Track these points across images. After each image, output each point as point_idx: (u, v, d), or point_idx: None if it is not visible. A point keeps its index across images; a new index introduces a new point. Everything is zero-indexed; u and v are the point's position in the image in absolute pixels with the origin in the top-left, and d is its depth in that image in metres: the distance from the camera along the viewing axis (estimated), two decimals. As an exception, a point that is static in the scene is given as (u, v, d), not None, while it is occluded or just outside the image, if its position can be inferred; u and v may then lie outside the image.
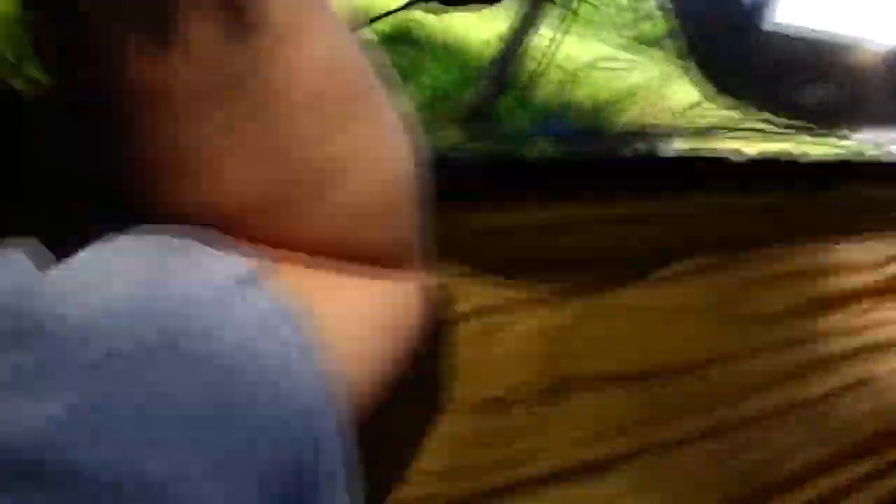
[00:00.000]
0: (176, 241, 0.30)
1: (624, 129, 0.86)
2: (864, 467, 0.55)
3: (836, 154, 0.74)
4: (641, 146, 0.79)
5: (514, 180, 0.48)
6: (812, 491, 0.52)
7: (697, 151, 0.60)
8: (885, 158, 0.82)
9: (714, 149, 0.60)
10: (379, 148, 0.37)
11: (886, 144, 1.09)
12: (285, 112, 0.32)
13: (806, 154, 0.63)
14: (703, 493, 0.49)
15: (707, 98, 1.09)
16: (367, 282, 0.37)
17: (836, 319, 0.57)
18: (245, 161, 0.33)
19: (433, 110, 0.79)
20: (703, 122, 0.84)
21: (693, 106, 1.01)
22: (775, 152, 0.61)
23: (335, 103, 0.35)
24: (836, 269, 0.60)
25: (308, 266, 0.35)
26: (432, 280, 0.43)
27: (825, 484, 0.53)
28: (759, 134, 0.89)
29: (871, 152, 1.00)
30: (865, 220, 0.65)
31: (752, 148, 0.69)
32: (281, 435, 0.27)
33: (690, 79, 1.00)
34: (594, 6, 0.87)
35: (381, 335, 0.38)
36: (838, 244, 0.60)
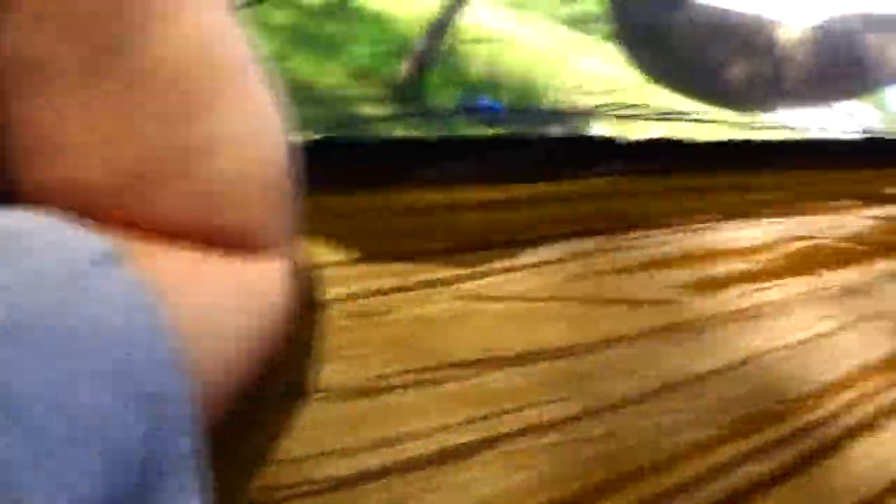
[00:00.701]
0: (31, 219, 0.29)
1: (549, 108, 0.87)
2: (743, 446, 0.56)
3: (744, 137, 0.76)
4: (554, 128, 0.80)
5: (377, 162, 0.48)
6: (690, 471, 0.53)
7: (585, 131, 0.61)
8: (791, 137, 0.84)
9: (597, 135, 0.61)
10: (247, 129, 0.37)
11: (802, 127, 1.12)
12: (150, 89, 0.32)
13: (692, 139, 0.64)
14: (580, 472, 0.50)
15: (634, 77, 1.10)
16: (226, 263, 0.37)
17: (716, 302, 0.59)
18: (106, 139, 0.32)
19: (363, 82, 0.79)
20: (628, 102, 0.86)
21: (620, 86, 1.02)
22: (661, 135, 0.62)
23: (203, 82, 0.34)
24: (719, 252, 0.61)
25: (167, 246, 0.34)
26: (302, 263, 0.43)
27: (703, 464, 0.54)
28: (681, 115, 0.90)
29: (786, 134, 1.02)
30: (749, 202, 0.67)
31: (664, 130, 0.70)
32: (129, 418, 0.26)
33: (621, 59, 1.02)
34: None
35: (239, 318, 0.37)
36: (721, 227, 0.61)
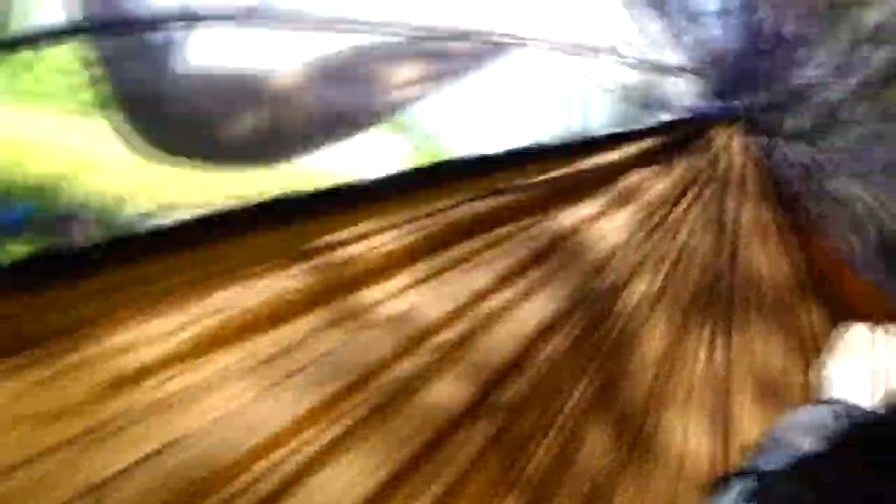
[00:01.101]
0: None
1: (71, 208, 0.77)
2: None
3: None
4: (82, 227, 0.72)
5: None
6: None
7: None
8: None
9: None
10: None
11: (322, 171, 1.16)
12: None
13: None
14: None
15: (140, 155, 1.03)
16: None
17: (133, 398, 0.60)
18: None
19: None
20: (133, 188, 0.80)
21: (131, 169, 0.95)
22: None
23: None
24: (132, 347, 0.63)
25: None
26: None
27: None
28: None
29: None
30: (160, 290, 0.70)
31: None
32: None
33: (124, 139, 0.95)
34: (36, 76, 0.79)
35: None
36: (132, 322, 0.63)
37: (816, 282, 1.65)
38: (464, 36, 1.47)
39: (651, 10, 1.50)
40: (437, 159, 1.59)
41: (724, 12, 1.55)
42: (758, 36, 1.54)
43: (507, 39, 1.51)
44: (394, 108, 1.55)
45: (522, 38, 1.50)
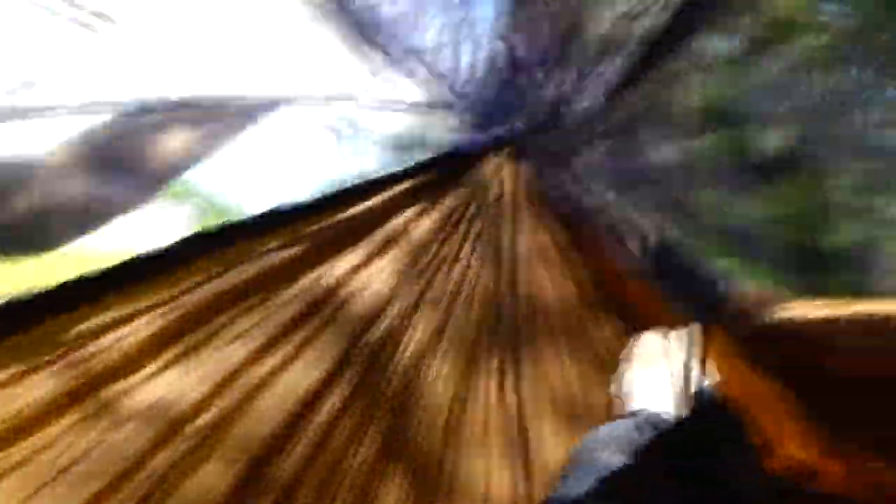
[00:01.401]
0: None
1: None
2: None
3: None
4: None
5: None
6: None
7: None
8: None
9: None
10: None
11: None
12: None
13: None
14: None
15: None
16: None
17: None
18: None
19: None
20: None
21: None
22: None
23: None
24: None
25: None
26: None
27: None
28: None
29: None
30: None
31: None
32: None
33: None
34: None
35: None
36: None
37: (606, 297, 1.64)
38: (220, 104, 1.44)
39: (385, 51, 1.48)
40: (207, 227, 1.53)
41: (461, 43, 1.54)
42: (508, 62, 1.53)
43: (260, 102, 1.48)
44: (167, 177, 1.50)
45: (276, 99, 1.48)
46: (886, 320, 1.26)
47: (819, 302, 1.45)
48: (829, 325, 1.34)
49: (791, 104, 1.60)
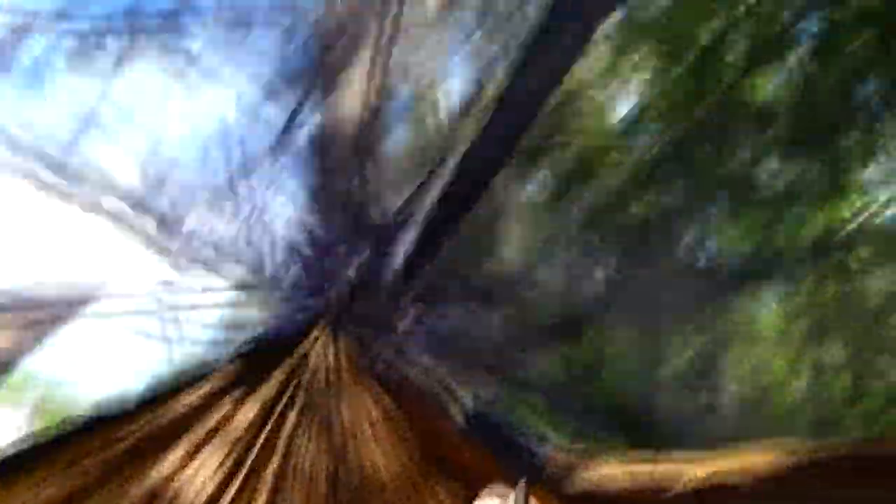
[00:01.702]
0: None
1: None
2: None
3: None
4: None
5: None
6: None
7: None
8: None
9: None
10: None
11: None
12: None
13: None
14: None
15: None
16: None
17: None
18: None
19: None
20: None
21: None
22: None
23: None
24: None
25: None
26: None
27: None
28: None
29: None
30: None
31: None
32: None
33: None
34: None
35: None
36: None
37: (439, 462, 1.67)
38: (36, 303, 1.40)
39: (188, 244, 1.51)
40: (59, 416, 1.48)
41: (262, 231, 1.58)
42: (308, 243, 1.59)
43: (71, 298, 1.45)
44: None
45: (85, 296, 1.45)
46: (673, 481, 1.37)
47: (620, 461, 1.55)
48: (630, 487, 1.43)
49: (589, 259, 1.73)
